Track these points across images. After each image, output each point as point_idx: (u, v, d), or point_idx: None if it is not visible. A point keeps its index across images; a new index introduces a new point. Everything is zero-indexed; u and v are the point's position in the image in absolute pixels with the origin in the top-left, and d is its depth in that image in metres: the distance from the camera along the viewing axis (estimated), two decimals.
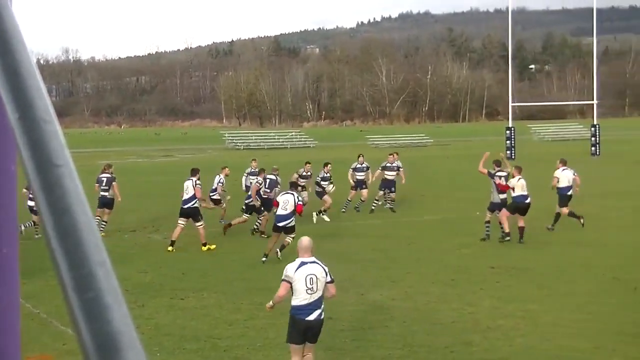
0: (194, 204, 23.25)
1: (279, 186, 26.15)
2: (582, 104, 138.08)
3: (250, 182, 27.38)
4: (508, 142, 62.93)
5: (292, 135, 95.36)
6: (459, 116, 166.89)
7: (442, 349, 13.28)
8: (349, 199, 30.54)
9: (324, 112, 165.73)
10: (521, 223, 23.95)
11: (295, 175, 28.22)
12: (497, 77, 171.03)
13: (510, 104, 67.80)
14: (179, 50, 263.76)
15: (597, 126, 63.78)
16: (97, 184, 26.11)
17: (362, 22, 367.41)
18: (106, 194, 25.97)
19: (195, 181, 23.31)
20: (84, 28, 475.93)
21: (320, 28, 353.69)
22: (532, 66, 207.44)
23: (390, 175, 30.76)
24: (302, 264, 11.32)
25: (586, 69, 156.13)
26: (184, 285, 18.44)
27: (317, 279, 11.21)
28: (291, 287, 11.29)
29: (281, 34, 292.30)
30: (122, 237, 25.57)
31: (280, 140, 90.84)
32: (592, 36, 69.95)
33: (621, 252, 21.63)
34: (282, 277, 11.43)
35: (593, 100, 68.02)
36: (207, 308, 16.30)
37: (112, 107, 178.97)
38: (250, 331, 14.38)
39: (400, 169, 31.02)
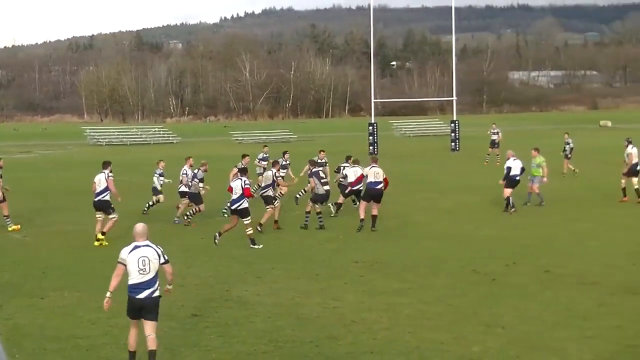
0: (104, 197, 23.12)
1: (196, 180, 26.77)
2: (442, 101, 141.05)
3: (161, 182, 28.81)
4: (370, 137, 63.72)
5: (155, 131, 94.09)
6: (322, 112, 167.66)
7: (308, 343, 13.38)
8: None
9: (187, 108, 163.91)
10: (375, 212, 24.91)
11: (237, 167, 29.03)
12: (359, 73, 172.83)
13: (373, 100, 68.63)
14: (37, 44, 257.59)
15: (456, 122, 65.27)
16: None
17: (225, 18, 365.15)
18: None
19: (108, 174, 23.20)
20: None
21: (183, 23, 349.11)
22: (394, 63, 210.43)
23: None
24: (136, 247, 12.25)
25: (445, 66, 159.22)
26: (44, 284, 18.02)
27: (149, 260, 12.12)
28: (126, 268, 12.17)
29: (143, 28, 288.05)
30: None
31: (143, 136, 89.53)
32: (451, 34, 71.53)
33: (478, 245, 22.21)
34: (117, 260, 12.29)
35: (452, 96, 69.57)
36: (68, 307, 15.99)
37: None
38: (114, 329, 14.17)
39: (326, 165, 31.55)
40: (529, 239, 22.93)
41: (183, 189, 27.22)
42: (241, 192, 22.50)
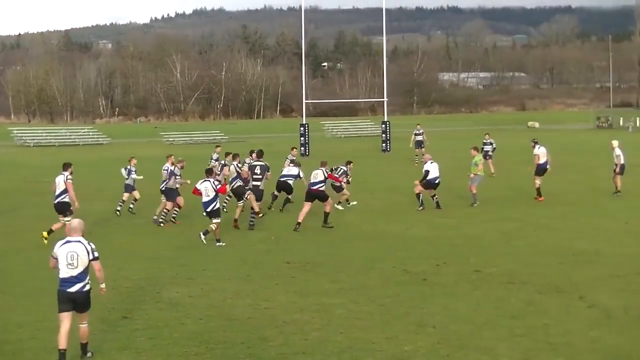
0: (64, 199, 23.04)
1: (178, 177, 27.37)
2: (373, 102, 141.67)
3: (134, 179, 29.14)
4: (302, 138, 63.72)
5: (84, 132, 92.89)
6: (253, 113, 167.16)
7: (239, 344, 13.35)
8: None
9: (117, 109, 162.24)
10: (326, 209, 25.95)
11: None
12: (291, 74, 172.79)
13: (304, 101, 68.76)
14: None
15: (387, 123, 65.69)
16: None
17: (155, 18, 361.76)
18: None
19: (67, 176, 23.07)
20: None
21: (112, 23, 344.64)
22: (325, 64, 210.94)
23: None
24: (67, 242, 12.69)
25: (376, 67, 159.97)
26: None
27: (77, 255, 12.53)
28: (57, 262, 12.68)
29: (72, 28, 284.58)
30: None
31: (72, 137, 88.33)
32: (382, 35, 71.94)
33: (410, 245, 22.39)
34: (51, 253, 12.82)
35: (383, 97, 69.98)
36: None
37: None
38: (41, 333, 13.97)
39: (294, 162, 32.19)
40: (458, 239, 23.19)
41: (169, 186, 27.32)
42: (214, 193, 22.87)
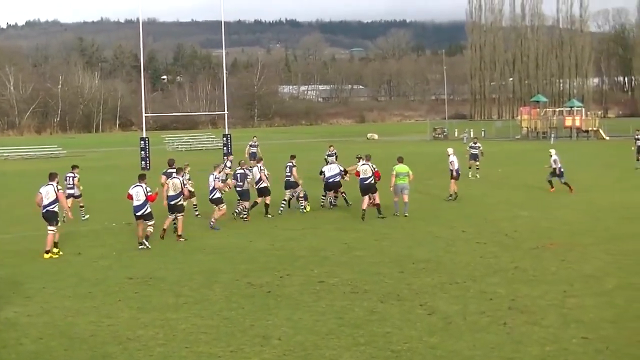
0: (53, 208, 23.00)
1: (249, 177, 30.18)
2: (214, 115, 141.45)
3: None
4: (143, 152, 63.04)
5: None
6: (92, 127, 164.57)
7: None
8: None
9: None
10: (376, 200, 29.44)
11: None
12: (130, 87, 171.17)
13: (144, 115, 67.99)
14: None
15: (228, 136, 65.79)
16: None
17: None
18: None
19: (56, 186, 23.04)
20: None
21: None
22: (165, 77, 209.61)
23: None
24: None
25: (217, 80, 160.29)
26: None
27: None
28: None
29: None
30: None
31: None
32: (221, 48, 72.01)
33: (253, 257, 22.39)
34: None
35: (224, 110, 70.02)
36: None
37: None
38: None
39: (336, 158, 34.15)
40: (301, 251, 23.34)
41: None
42: (144, 198, 23.89)
